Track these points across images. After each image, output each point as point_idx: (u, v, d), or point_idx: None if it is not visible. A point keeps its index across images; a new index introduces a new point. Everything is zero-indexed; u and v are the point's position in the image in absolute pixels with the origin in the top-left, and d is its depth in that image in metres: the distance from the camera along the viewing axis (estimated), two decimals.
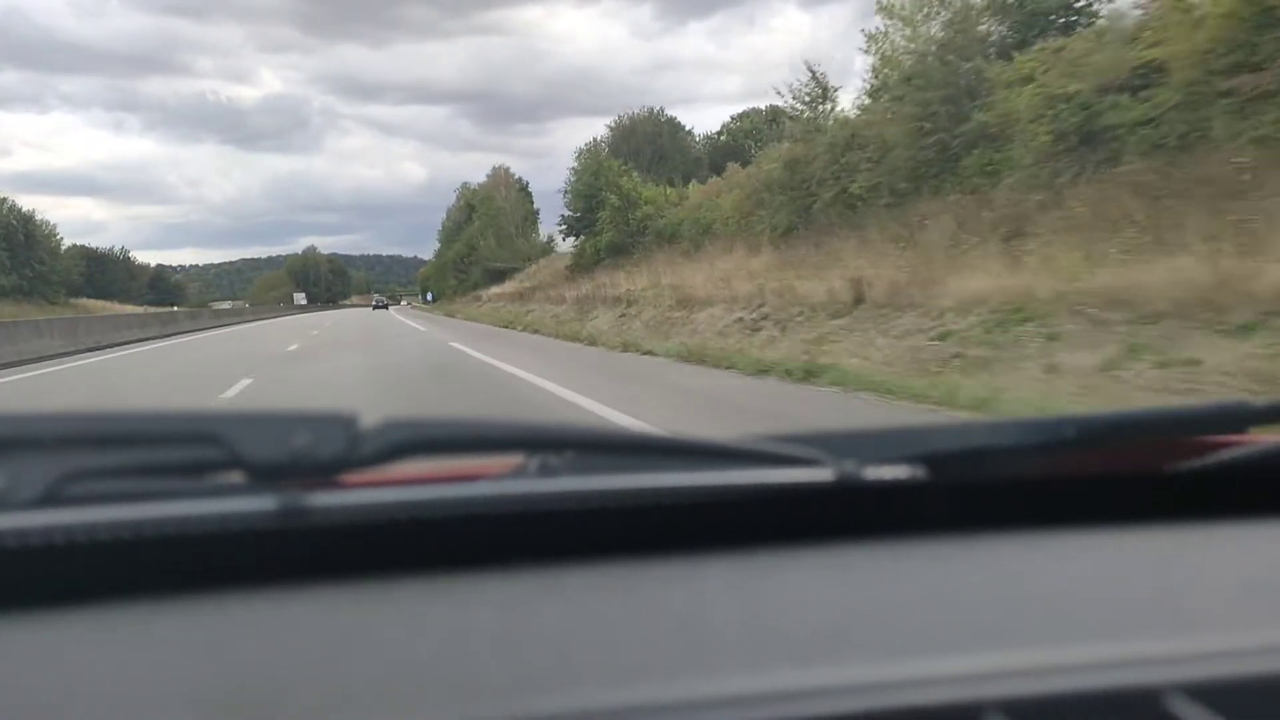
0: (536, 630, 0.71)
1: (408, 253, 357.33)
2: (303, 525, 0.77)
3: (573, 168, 45.46)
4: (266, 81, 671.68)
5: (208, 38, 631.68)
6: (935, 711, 0.62)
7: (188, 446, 0.76)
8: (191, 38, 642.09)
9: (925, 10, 20.23)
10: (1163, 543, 0.91)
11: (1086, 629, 0.72)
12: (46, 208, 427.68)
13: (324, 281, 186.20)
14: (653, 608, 0.77)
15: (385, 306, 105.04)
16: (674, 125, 56.79)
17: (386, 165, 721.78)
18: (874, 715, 0.61)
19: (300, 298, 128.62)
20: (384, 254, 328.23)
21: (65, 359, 19.61)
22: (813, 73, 24.49)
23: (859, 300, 13.53)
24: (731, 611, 0.76)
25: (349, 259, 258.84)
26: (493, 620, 0.73)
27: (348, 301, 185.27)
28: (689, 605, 0.77)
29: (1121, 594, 0.80)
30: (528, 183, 70.71)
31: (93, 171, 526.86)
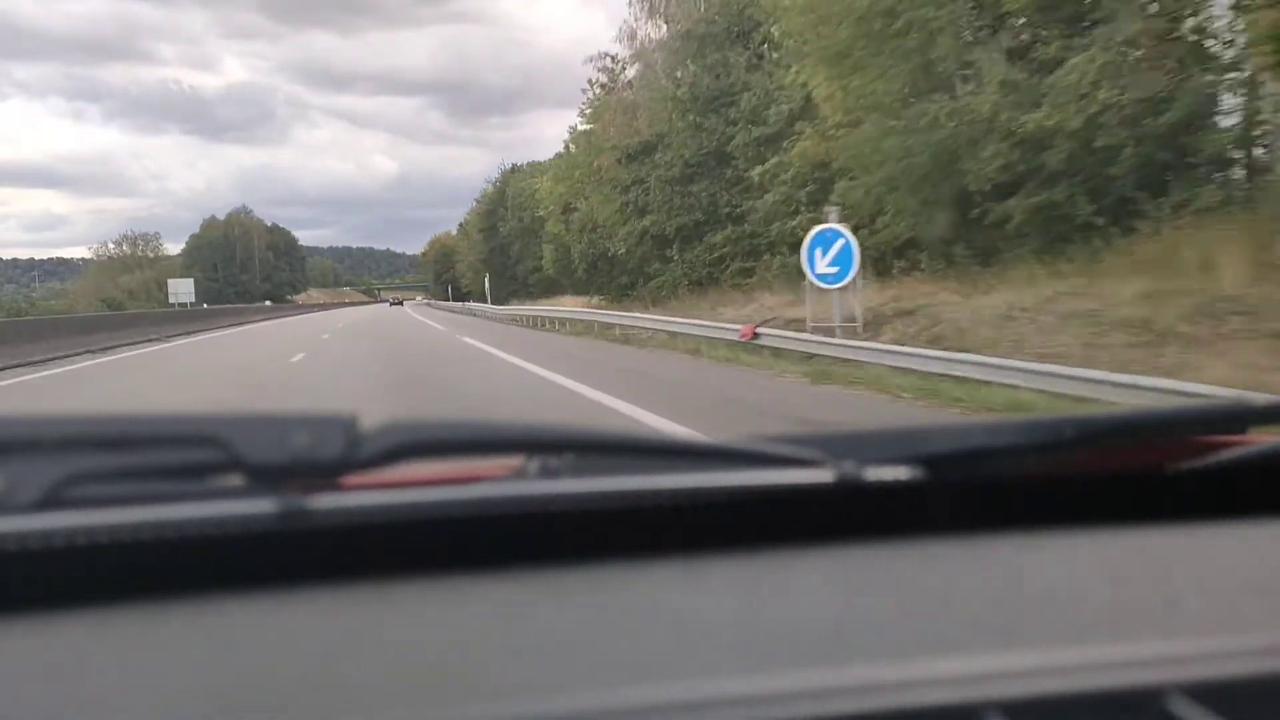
0: (537, 631, 0.71)
1: (380, 246, 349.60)
2: (303, 527, 0.77)
3: None
4: (231, 70, 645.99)
5: (169, 23, 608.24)
6: (935, 712, 0.62)
7: (187, 449, 0.76)
8: (152, 23, 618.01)
9: None
10: (1163, 543, 0.91)
11: (1086, 629, 0.72)
12: (7, 200, 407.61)
13: (261, 265, 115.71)
14: (652, 609, 0.77)
15: (400, 303, 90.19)
16: None
17: (356, 158, 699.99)
18: (874, 716, 0.61)
19: (182, 290, 61.56)
20: (354, 246, 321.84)
21: None
22: None
23: None
24: (731, 612, 0.76)
25: (317, 251, 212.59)
26: (493, 622, 0.73)
27: (303, 298, 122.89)
28: (689, 606, 0.77)
29: (1121, 594, 0.80)
30: None
31: (53, 163, 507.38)
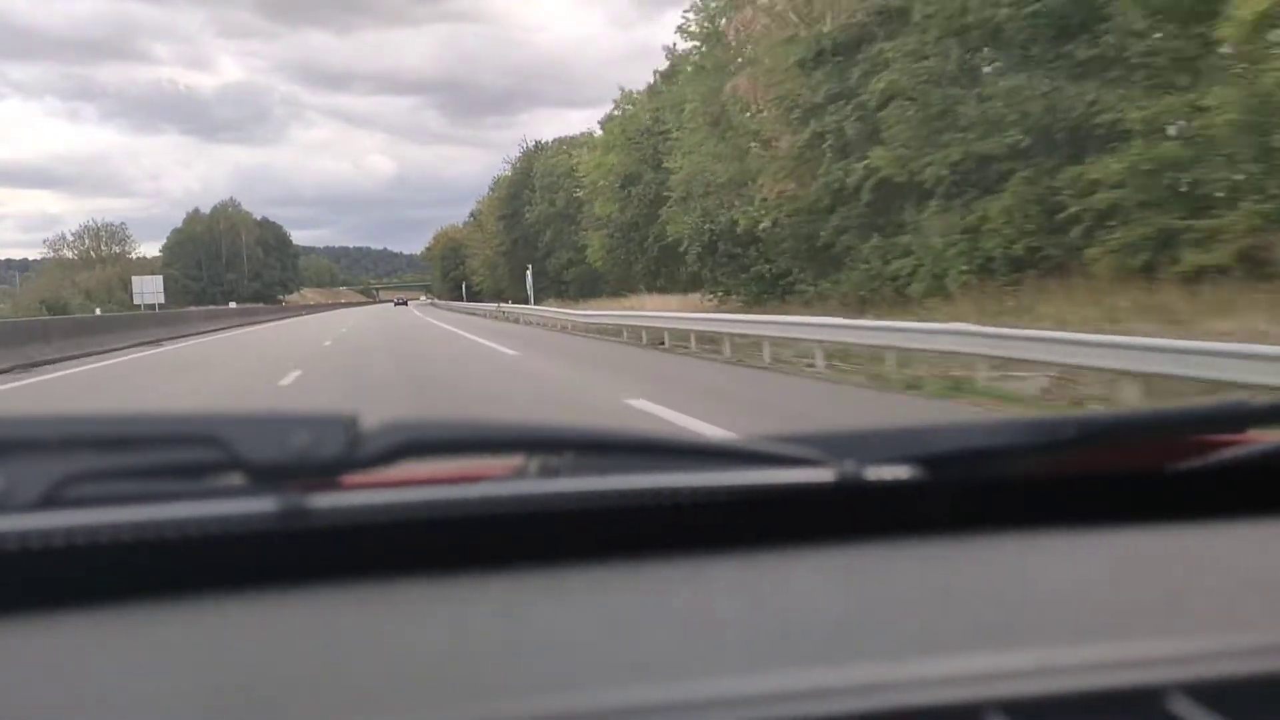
0: (538, 631, 0.71)
1: (377, 246, 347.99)
2: (303, 527, 0.77)
3: None
4: (228, 70, 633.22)
5: (165, 22, 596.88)
6: (935, 711, 0.62)
7: (188, 448, 0.77)
8: (148, 22, 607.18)
9: None
10: (1163, 543, 0.91)
11: (1086, 629, 0.72)
12: (3, 200, 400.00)
13: (250, 262, 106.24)
14: (654, 608, 0.77)
15: (405, 303, 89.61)
16: None
17: (353, 158, 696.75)
18: (874, 715, 0.61)
19: (149, 289, 52.80)
20: (351, 246, 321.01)
21: None
22: None
23: None
24: (732, 612, 0.76)
25: (314, 251, 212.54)
26: (494, 621, 0.73)
27: (295, 298, 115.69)
28: (690, 606, 0.77)
29: (1121, 594, 0.80)
30: None
31: (49, 163, 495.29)
